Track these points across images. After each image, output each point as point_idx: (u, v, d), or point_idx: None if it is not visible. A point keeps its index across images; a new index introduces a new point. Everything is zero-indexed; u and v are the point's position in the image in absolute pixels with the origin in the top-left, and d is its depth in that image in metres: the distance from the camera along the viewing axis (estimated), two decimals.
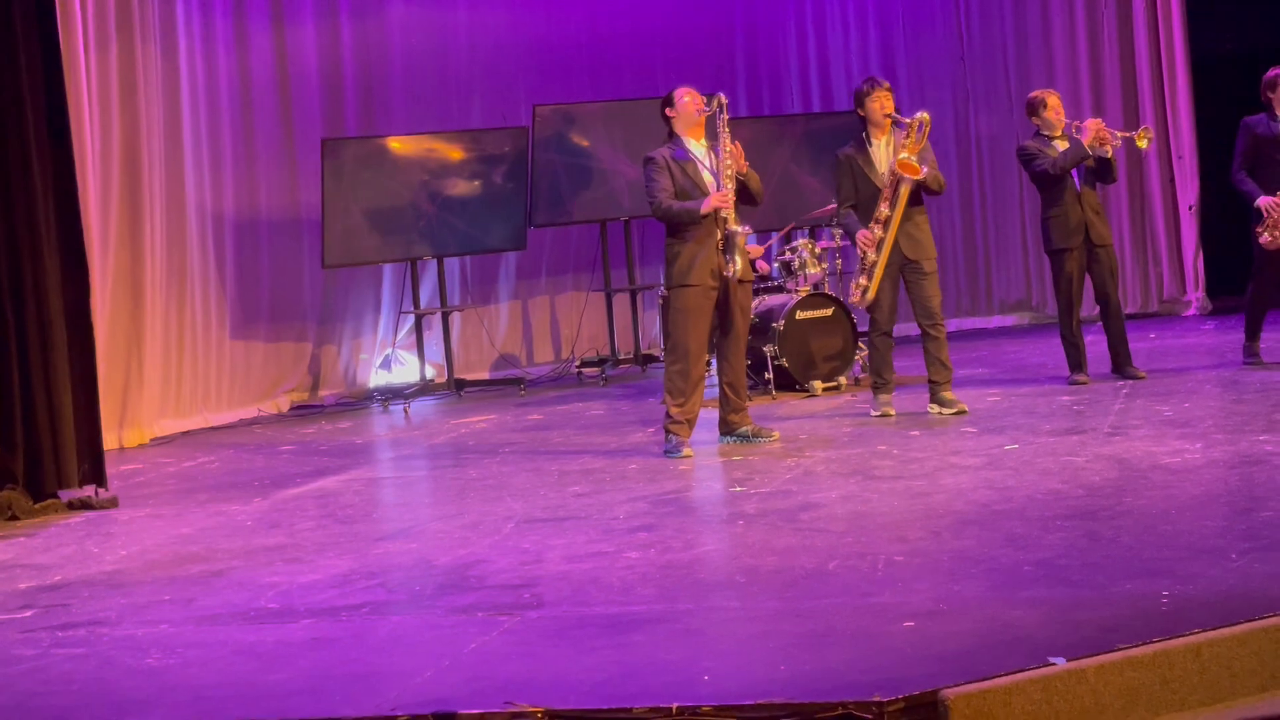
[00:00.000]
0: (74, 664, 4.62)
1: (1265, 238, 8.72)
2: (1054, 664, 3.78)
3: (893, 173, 8.11)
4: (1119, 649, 3.88)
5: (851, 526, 5.66)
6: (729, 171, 7.68)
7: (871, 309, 8.27)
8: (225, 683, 4.31)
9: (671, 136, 7.89)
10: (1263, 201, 8.72)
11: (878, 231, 8.15)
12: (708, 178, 7.72)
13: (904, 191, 8.13)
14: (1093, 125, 8.67)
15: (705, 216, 7.59)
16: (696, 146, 7.83)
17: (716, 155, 7.78)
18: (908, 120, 8.14)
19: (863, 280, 8.19)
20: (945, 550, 5.17)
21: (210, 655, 4.61)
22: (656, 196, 7.73)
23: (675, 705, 3.74)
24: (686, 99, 7.82)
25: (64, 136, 7.59)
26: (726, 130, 7.72)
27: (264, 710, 4.00)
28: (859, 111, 8.35)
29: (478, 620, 4.76)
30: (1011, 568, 4.83)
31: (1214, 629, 3.96)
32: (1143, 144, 8.74)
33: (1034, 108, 8.97)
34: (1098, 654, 3.86)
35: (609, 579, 5.15)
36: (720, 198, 7.61)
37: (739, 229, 7.62)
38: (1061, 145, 8.77)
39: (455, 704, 3.91)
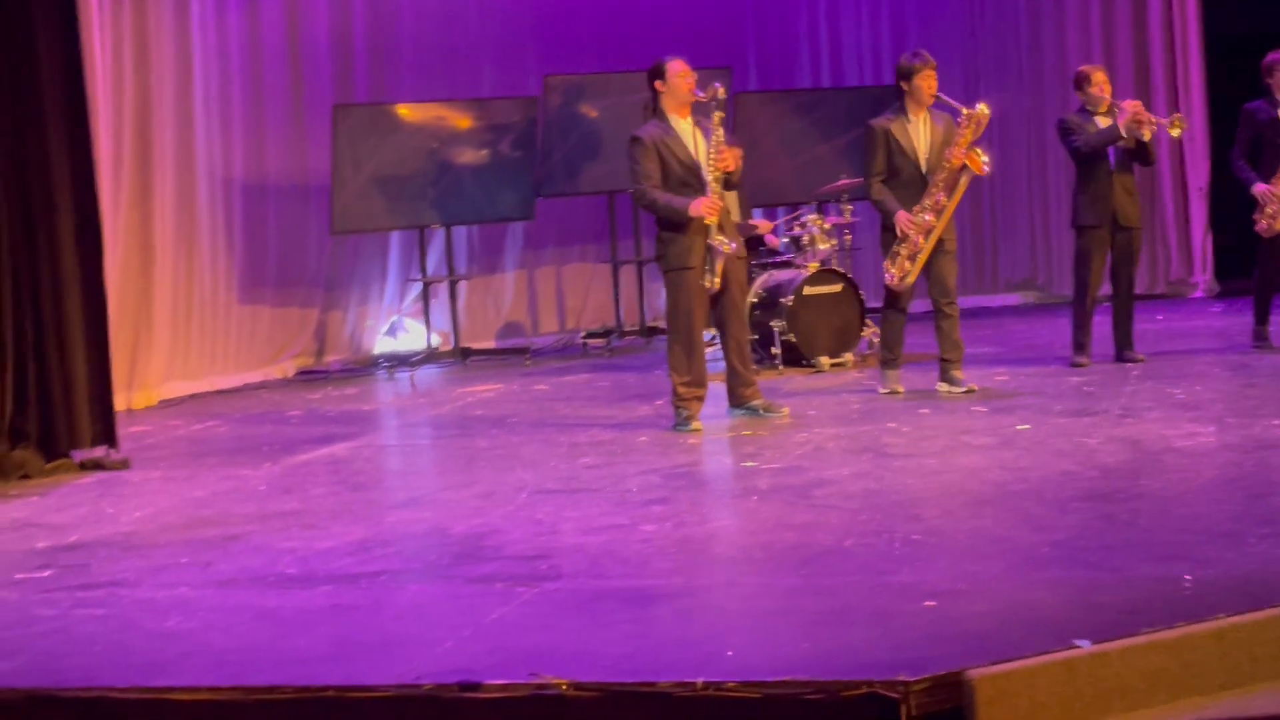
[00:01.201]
0: (95, 625, 4.63)
1: (1263, 224, 8.74)
2: (1079, 646, 3.80)
3: (958, 164, 7.99)
4: (1142, 632, 3.89)
5: (865, 504, 5.67)
6: (715, 173, 7.48)
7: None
8: (247, 647, 4.33)
9: (656, 111, 7.64)
10: (1259, 189, 8.73)
11: (929, 219, 8.05)
12: (702, 160, 7.51)
13: (964, 183, 8.05)
14: (1130, 107, 8.59)
15: (691, 219, 7.40)
16: (683, 124, 7.60)
17: (704, 135, 7.57)
18: (966, 111, 8.01)
19: (905, 264, 8.09)
20: (962, 530, 5.19)
21: (231, 620, 4.62)
22: (641, 183, 7.54)
23: (700, 680, 3.75)
24: (680, 77, 7.55)
25: (79, 98, 7.57)
26: (720, 127, 7.51)
27: (288, 676, 4.01)
28: (901, 85, 8.15)
29: (496, 590, 4.77)
30: (1029, 549, 4.85)
31: (1236, 614, 3.98)
32: (1175, 132, 8.66)
33: (1079, 82, 8.88)
34: (1120, 637, 3.87)
35: (626, 552, 5.17)
36: (709, 205, 7.41)
37: (722, 244, 7.41)
38: (1104, 122, 8.69)
39: (479, 674, 3.92)
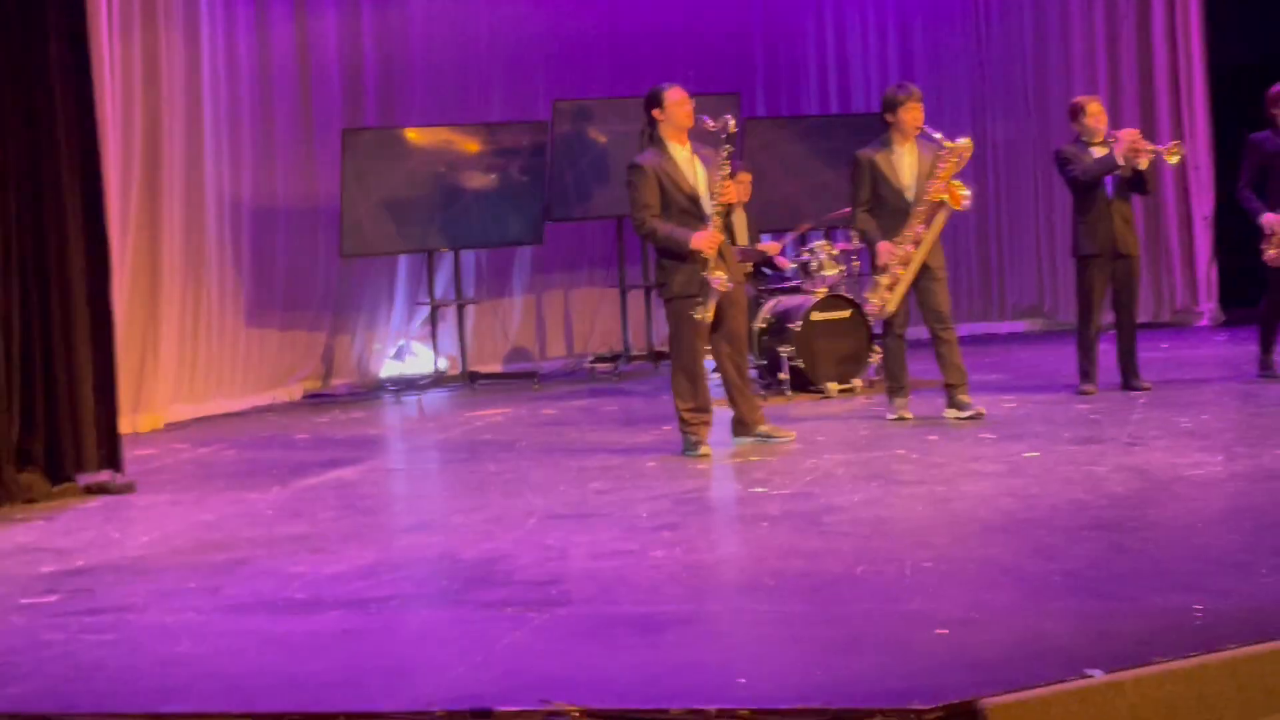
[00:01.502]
0: (103, 650, 4.62)
1: (1271, 254, 8.74)
2: (1092, 675, 3.79)
3: (938, 199, 8.06)
4: (1155, 662, 3.89)
5: (876, 531, 5.67)
6: (718, 206, 7.49)
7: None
8: (258, 672, 4.32)
9: (654, 139, 7.64)
10: (1267, 219, 8.74)
11: (908, 250, 8.11)
12: (700, 188, 7.52)
13: (942, 217, 8.12)
14: (1127, 136, 8.65)
15: (692, 251, 7.40)
16: (681, 151, 7.61)
17: (703, 164, 7.58)
18: (950, 144, 8.08)
19: (885, 293, 8.16)
20: (972, 558, 5.18)
21: (241, 644, 4.61)
22: (640, 213, 7.54)
23: (714, 708, 3.74)
24: (678, 105, 7.55)
25: (91, 122, 7.60)
26: (728, 162, 7.50)
27: (300, 702, 4.00)
28: (887, 116, 8.27)
29: (507, 616, 4.76)
30: (1041, 577, 4.84)
31: (1250, 644, 3.97)
32: (1173, 159, 8.72)
33: (1074, 113, 8.95)
34: (1133, 667, 3.86)
35: (636, 578, 5.16)
36: (709, 240, 7.41)
37: (720, 280, 7.39)
38: (1100, 152, 8.74)
39: (491, 700, 3.91)
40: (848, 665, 4.06)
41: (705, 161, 7.63)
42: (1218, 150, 12.50)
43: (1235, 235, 12.15)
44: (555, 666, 4.20)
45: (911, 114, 8.17)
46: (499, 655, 4.35)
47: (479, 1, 12.04)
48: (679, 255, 7.51)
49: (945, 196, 8.07)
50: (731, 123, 7.54)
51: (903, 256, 8.12)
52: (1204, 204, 12.70)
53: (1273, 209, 8.78)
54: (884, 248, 8.13)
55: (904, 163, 8.23)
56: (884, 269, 8.16)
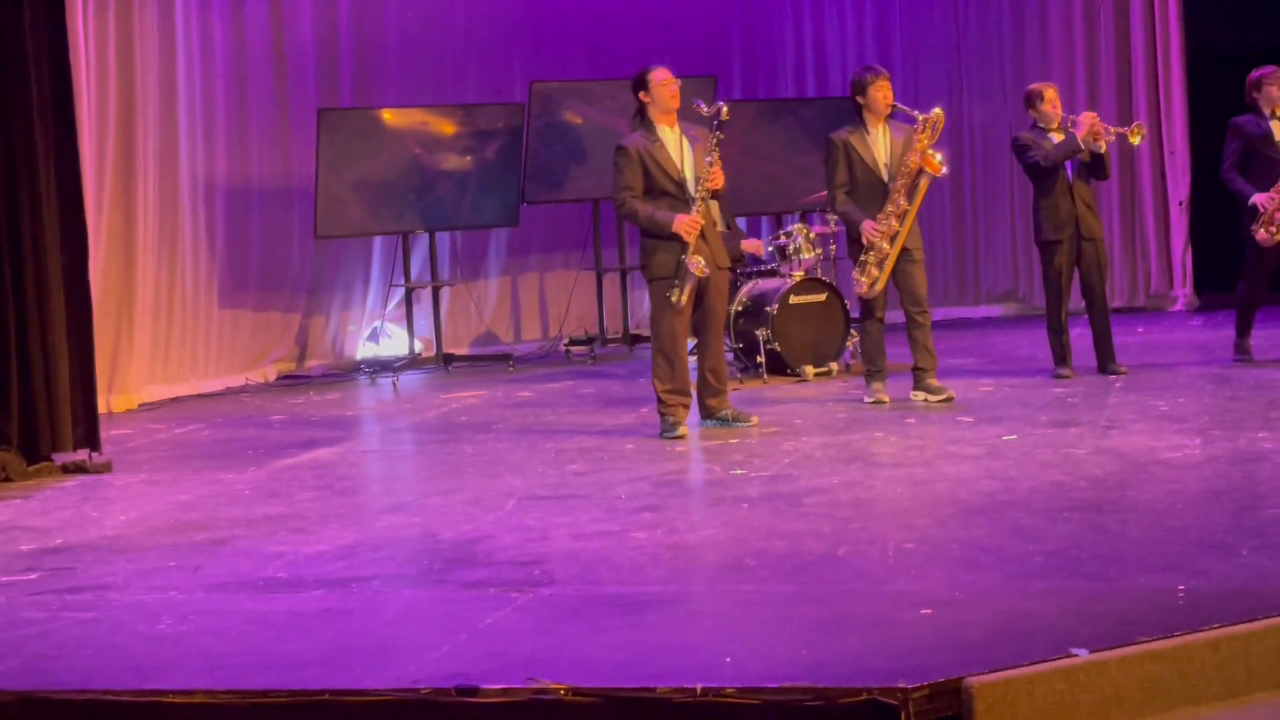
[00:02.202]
0: (85, 628, 4.60)
1: (1262, 234, 8.76)
2: (1076, 655, 3.80)
3: (915, 167, 8.09)
4: (1138, 642, 3.90)
5: (857, 513, 5.68)
6: (703, 191, 7.51)
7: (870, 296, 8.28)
8: (241, 651, 4.30)
9: (642, 120, 7.66)
10: (1259, 199, 8.77)
11: (893, 224, 8.13)
12: (687, 172, 7.54)
13: (923, 186, 8.13)
14: (1087, 119, 8.71)
15: (672, 235, 7.43)
16: (669, 133, 7.61)
17: (691, 144, 7.60)
18: (922, 116, 8.12)
19: (873, 271, 8.17)
20: (954, 539, 5.19)
21: (223, 623, 4.60)
22: (621, 194, 7.55)
23: (699, 686, 3.74)
24: (663, 85, 7.56)
25: (67, 101, 7.56)
26: (718, 147, 7.54)
27: (283, 680, 3.99)
28: (857, 98, 8.29)
29: (490, 596, 4.76)
30: (1023, 558, 4.85)
31: (1231, 624, 3.99)
32: (1135, 140, 8.79)
33: (1031, 100, 9.00)
34: (1117, 646, 3.88)
35: (618, 558, 5.16)
36: (690, 224, 7.44)
37: (697, 264, 7.43)
38: (1057, 138, 8.79)
39: (475, 679, 3.90)
40: (833, 645, 4.07)
41: (694, 143, 7.62)
42: (1193, 136, 12.54)
43: (1210, 220, 12.24)
44: (540, 646, 4.20)
45: (882, 92, 8.20)
46: (483, 635, 4.35)
47: None
48: (661, 236, 7.50)
49: (923, 165, 8.09)
50: (724, 109, 7.56)
51: (888, 231, 8.13)
52: (1179, 189, 12.73)
53: (1259, 190, 8.81)
54: (868, 226, 8.13)
55: (878, 142, 8.25)
56: (870, 247, 8.16)
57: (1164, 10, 12.67)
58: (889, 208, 8.14)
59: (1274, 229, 8.72)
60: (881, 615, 4.31)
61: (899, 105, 8.25)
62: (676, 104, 7.60)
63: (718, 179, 7.59)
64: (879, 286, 8.21)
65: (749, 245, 10.29)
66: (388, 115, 11.19)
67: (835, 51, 13.19)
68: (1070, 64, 12.92)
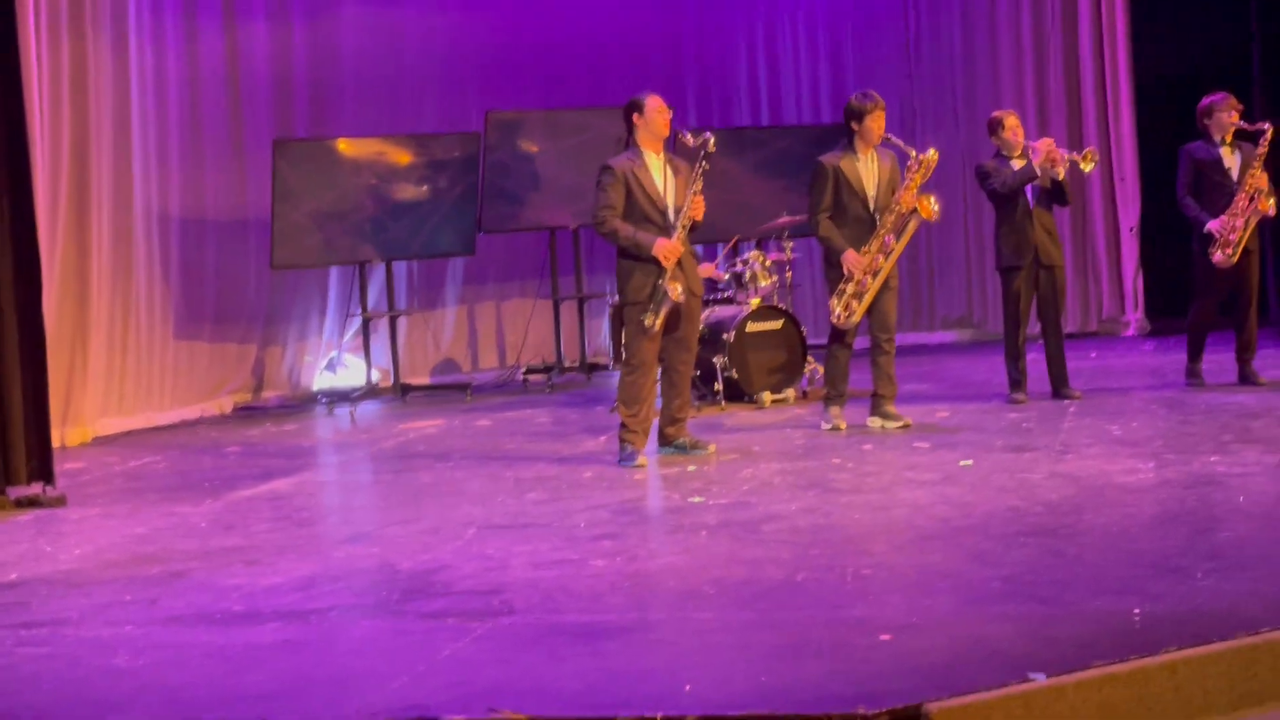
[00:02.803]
0: (41, 664, 4.56)
1: (1219, 255, 8.85)
2: (1034, 679, 3.83)
3: (909, 208, 8.14)
4: (1095, 666, 3.93)
5: (815, 539, 5.69)
6: (685, 220, 7.58)
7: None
8: (198, 684, 4.28)
9: (629, 145, 7.76)
10: (1213, 225, 8.87)
11: (878, 260, 8.16)
12: (669, 200, 7.61)
13: (912, 226, 8.19)
14: (1043, 146, 8.79)
15: (651, 256, 7.48)
16: (654, 160, 7.69)
17: (674, 173, 7.68)
18: (916, 155, 8.16)
19: (852, 303, 8.19)
20: (912, 564, 5.22)
21: (180, 657, 4.57)
22: (603, 212, 7.59)
23: (660, 715, 3.75)
24: (658, 112, 7.64)
25: (20, 133, 7.50)
26: (701, 177, 7.61)
27: (242, 713, 3.97)
28: (851, 124, 8.29)
29: (449, 626, 4.75)
30: (980, 583, 4.88)
31: (1188, 647, 4.03)
32: (1087, 166, 8.87)
33: (993, 127, 9.08)
34: (1074, 670, 3.91)
35: (577, 587, 5.16)
36: (671, 250, 7.50)
37: (673, 290, 7.47)
38: (1019, 165, 8.88)
39: (436, 710, 3.90)
40: (793, 671, 4.08)
41: (677, 173, 7.70)
42: (1143, 162, 12.66)
43: (1161, 245, 12.35)
44: (500, 676, 4.20)
45: (877, 122, 8.23)
46: (443, 665, 4.34)
47: (410, 12, 12.00)
48: (635, 259, 7.54)
49: (916, 207, 8.15)
50: (712, 140, 7.63)
51: (872, 267, 8.17)
52: (1130, 215, 12.85)
53: (1211, 215, 8.91)
54: (851, 257, 8.15)
55: (868, 170, 8.28)
56: (850, 277, 8.19)
57: (1112, 38, 12.81)
58: (874, 243, 8.17)
59: (1229, 250, 8.82)
60: (840, 641, 4.33)
61: (891, 137, 8.28)
62: (667, 132, 7.69)
63: (699, 209, 7.65)
64: (855, 319, 8.22)
65: (704, 270, 10.30)
66: (343, 145, 11.18)
67: (789, 81, 13.27)
68: (1021, 92, 13.04)
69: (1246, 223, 8.84)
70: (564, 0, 12.48)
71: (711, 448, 7.83)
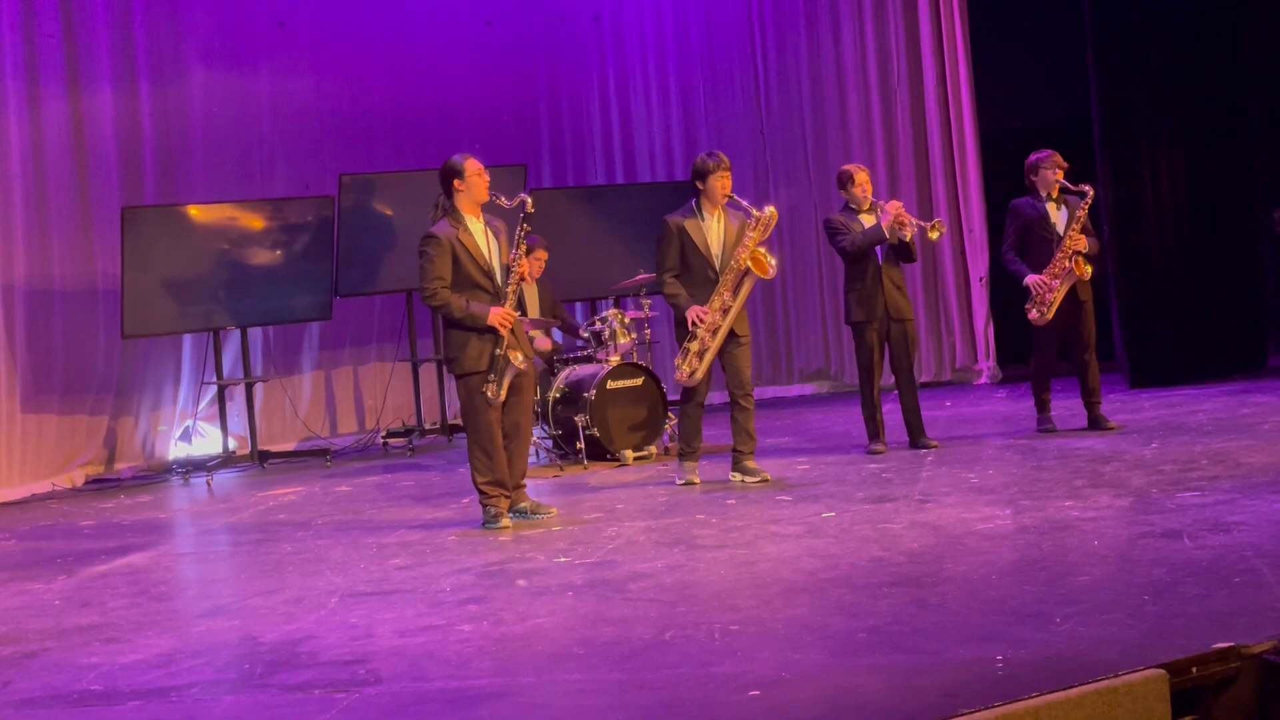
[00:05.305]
0: None
1: (1034, 314, 9.10)
2: None
3: (743, 266, 8.21)
4: (962, 714, 3.97)
5: (682, 596, 5.70)
6: (514, 284, 7.56)
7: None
8: None
9: (449, 211, 7.62)
10: (1030, 280, 9.10)
11: (716, 318, 8.23)
12: (494, 262, 7.57)
13: (748, 285, 8.27)
14: (893, 208, 8.96)
15: (487, 327, 7.44)
16: (475, 224, 7.62)
17: (494, 236, 7.64)
18: (756, 213, 8.26)
19: (694, 360, 8.26)
20: (778, 619, 5.24)
21: None
22: (432, 284, 7.47)
23: None
24: (479, 175, 7.58)
25: None
26: (524, 240, 7.58)
27: None
28: (697, 184, 8.38)
29: (315, 698, 4.67)
30: (847, 635, 4.92)
31: (1050, 692, 4.09)
32: (935, 235, 9.05)
33: (843, 181, 9.24)
34: (941, 719, 3.95)
35: (444, 653, 5.11)
36: (505, 317, 7.46)
37: (516, 359, 7.46)
38: (867, 219, 9.03)
39: None
40: None
41: (497, 234, 7.66)
42: (990, 215, 12.94)
43: (1010, 295, 12.61)
44: None
45: (721, 182, 8.31)
46: None
47: (260, 77, 11.92)
48: (467, 329, 7.50)
49: (752, 265, 8.24)
50: (529, 201, 7.60)
51: (711, 325, 8.23)
52: (980, 266, 13.13)
53: (1035, 270, 9.14)
54: (695, 310, 8.22)
55: (712, 230, 8.35)
56: (692, 336, 8.24)
57: (956, 94, 13.11)
58: (715, 302, 8.24)
59: (1045, 309, 9.06)
60: (711, 699, 4.33)
61: (734, 197, 8.36)
62: (487, 196, 7.63)
63: (524, 268, 7.66)
64: (698, 376, 8.28)
65: (540, 344, 10.14)
66: (194, 211, 11.05)
67: (643, 138, 13.39)
68: (870, 146, 13.28)
69: (1063, 284, 9.07)
70: (416, 62, 12.48)
71: (553, 511, 7.79)
